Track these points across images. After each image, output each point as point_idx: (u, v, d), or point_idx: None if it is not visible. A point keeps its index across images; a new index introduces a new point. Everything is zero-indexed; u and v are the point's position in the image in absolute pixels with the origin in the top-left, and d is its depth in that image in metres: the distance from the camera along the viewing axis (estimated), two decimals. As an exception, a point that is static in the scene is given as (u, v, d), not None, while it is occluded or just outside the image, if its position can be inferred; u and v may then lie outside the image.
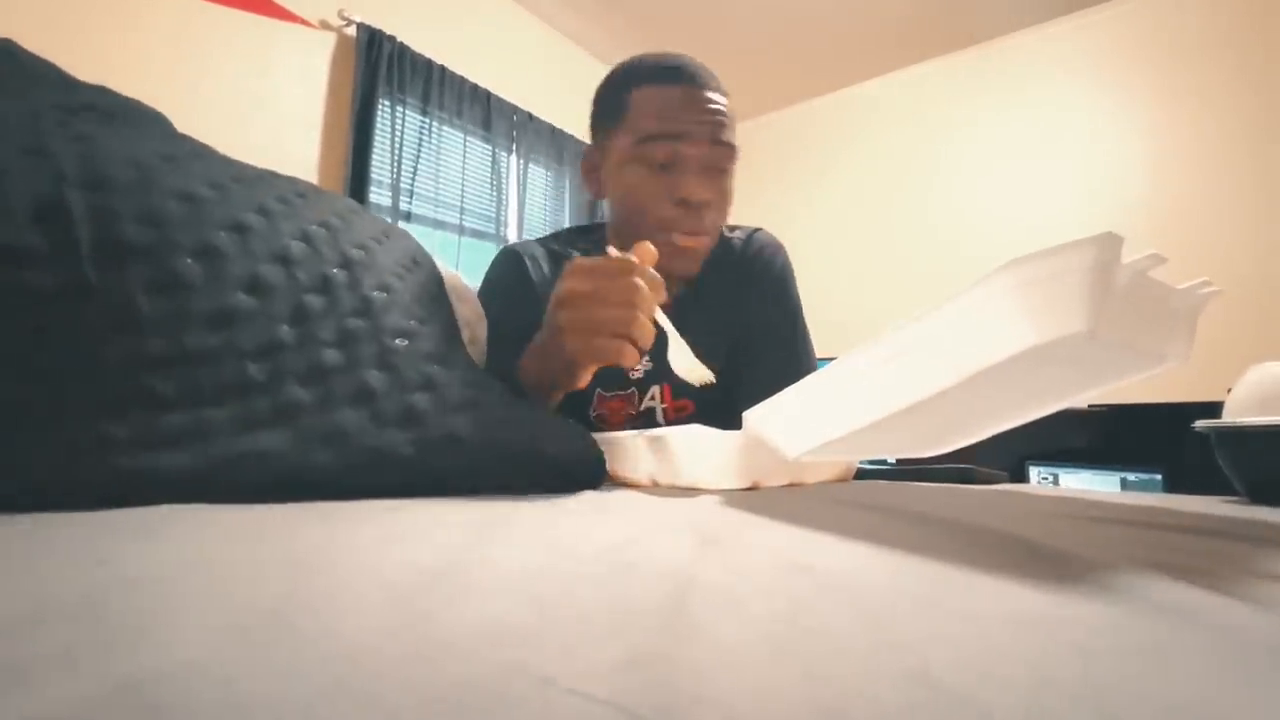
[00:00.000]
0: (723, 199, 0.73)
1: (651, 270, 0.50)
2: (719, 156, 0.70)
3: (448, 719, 0.11)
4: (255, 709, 0.11)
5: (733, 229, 0.86)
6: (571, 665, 0.13)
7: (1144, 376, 0.36)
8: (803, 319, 0.84)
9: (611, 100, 0.74)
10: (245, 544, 0.23)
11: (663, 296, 0.50)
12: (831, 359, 0.38)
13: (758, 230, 0.87)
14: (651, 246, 0.51)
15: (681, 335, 0.54)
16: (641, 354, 0.49)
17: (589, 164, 0.79)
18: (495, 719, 0.11)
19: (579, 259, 0.51)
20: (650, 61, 0.73)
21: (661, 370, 0.72)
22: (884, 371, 0.33)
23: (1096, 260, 0.25)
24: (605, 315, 0.48)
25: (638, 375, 0.77)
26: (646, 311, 0.48)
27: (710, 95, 0.70)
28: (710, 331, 0.55)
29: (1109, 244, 0.25)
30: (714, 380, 0.53)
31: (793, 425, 0.41)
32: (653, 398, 0.77)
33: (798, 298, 0.84)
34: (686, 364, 0.54)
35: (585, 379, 0.56)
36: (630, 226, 0.73)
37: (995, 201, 2.82)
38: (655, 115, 0.69)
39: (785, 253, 0.86)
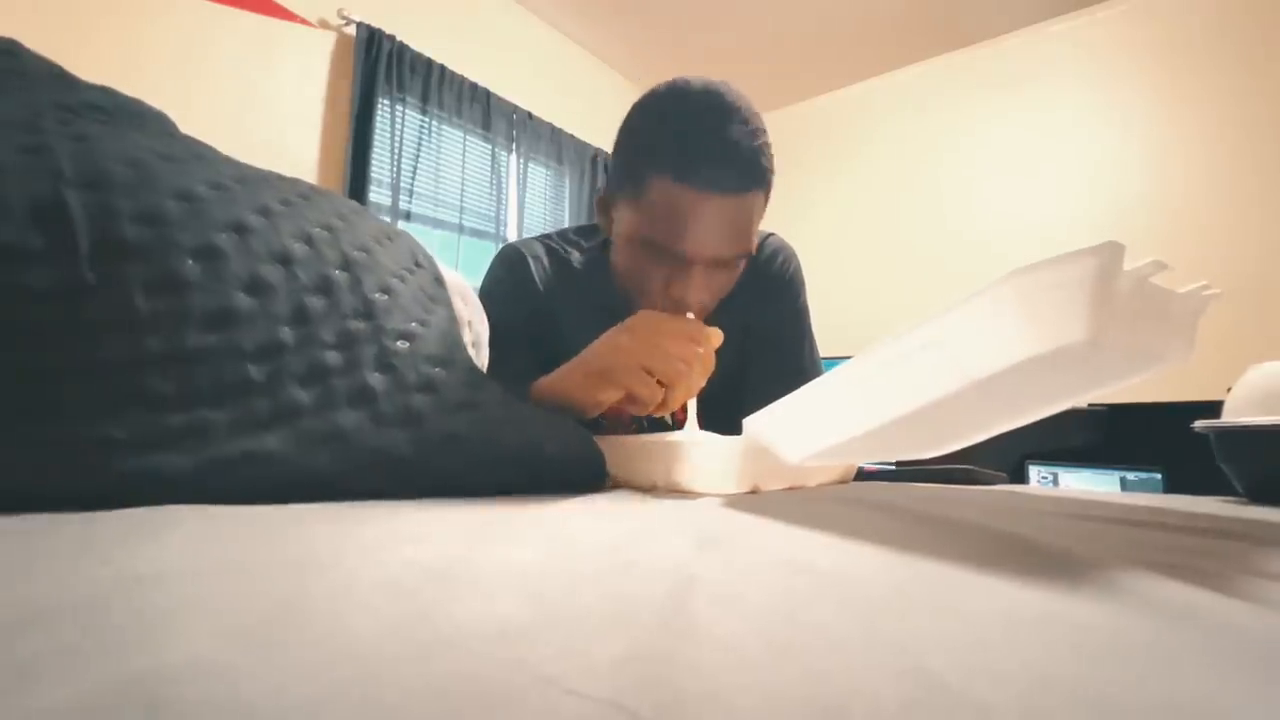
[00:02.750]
0: (724, 287, 0.70)
1: (714, 354, 0.55)
2: (723, 265, 0.66)
3: (449, 717, 0.11)
4: (258, 708, 0.11)
5: None
6: (572, 663, 0.14)
7: (1145, 378, 0.36)
8: (810, 324, 0.84)
9: (631, 165, 0.65)
10: (247, 544, 0.23)
11: (701, 383, 0.55)
12: (834, 359, 0.38)
13: (771, 235, 0.86)
14: (720, 333, 0.56)
15: None
16: (656, 409, 0.55)
17: (602, 203, 0.75)
18: (496, 717, 0.11)
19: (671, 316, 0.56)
20: (679, 137, 0.61)
21: None
22: (886, 378, 0.33)
23: (1099, 269, 0.25)
24: (664, 357, 0.52)
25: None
26: (696, 380, 0.53)
27: (731, 205, 0.61)
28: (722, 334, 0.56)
29: (1111, 252, 0.25)
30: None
31: (795, 431, 0.41)
32: None
33: (806, 303, 0.84)
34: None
35: (598, 410, 0.58)
36: (625, 287, 0.72)
37: (994, 200, 2.81)
38: (665, 223, 0.62)
39: (797, 259, 0.86)
